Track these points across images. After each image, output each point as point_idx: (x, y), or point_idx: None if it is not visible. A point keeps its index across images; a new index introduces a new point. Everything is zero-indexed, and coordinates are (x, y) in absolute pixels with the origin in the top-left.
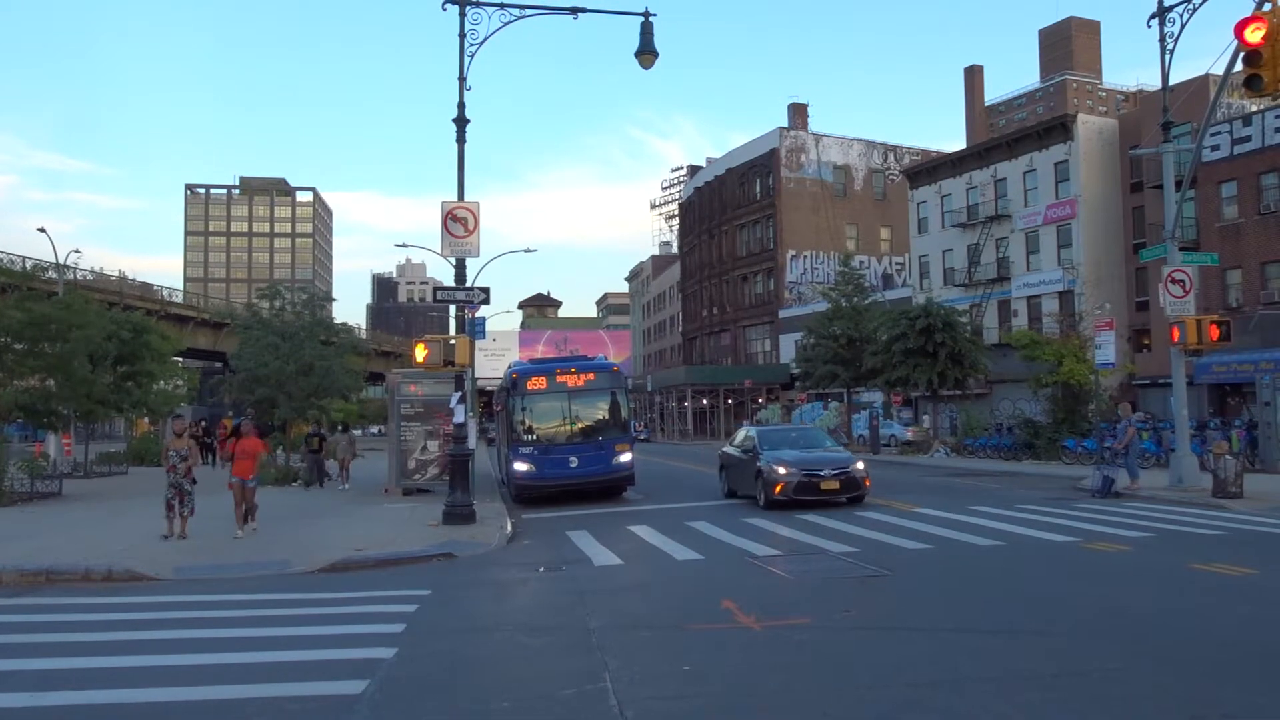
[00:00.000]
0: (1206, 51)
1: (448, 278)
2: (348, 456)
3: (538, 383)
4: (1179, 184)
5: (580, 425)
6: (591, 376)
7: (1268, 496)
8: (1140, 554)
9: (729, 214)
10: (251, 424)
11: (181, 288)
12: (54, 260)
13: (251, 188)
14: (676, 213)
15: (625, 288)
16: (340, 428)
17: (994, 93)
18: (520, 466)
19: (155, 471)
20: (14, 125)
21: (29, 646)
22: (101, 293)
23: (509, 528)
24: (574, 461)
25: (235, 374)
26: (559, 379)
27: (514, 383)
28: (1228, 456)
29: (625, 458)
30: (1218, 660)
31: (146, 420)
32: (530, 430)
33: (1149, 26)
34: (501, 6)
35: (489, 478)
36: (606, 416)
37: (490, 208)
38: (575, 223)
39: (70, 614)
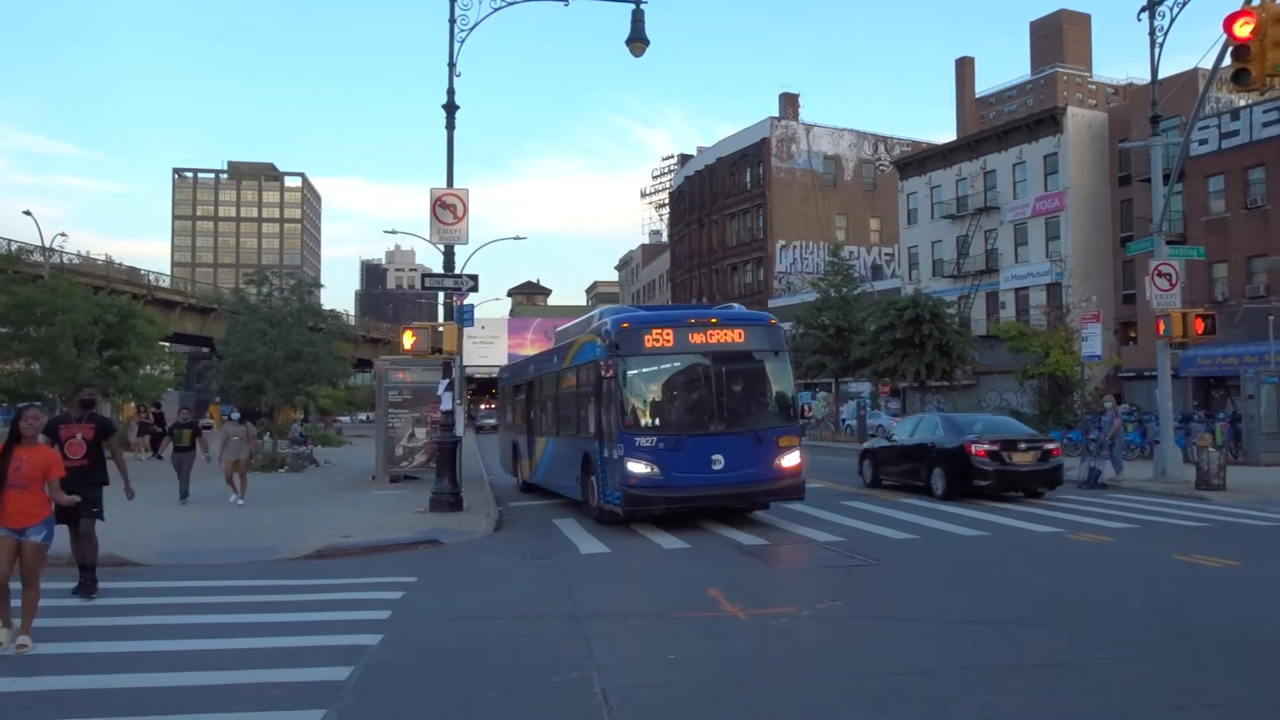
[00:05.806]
0: (1196, 46)
1: (437, 264)
2: (241, 458)
3: (662, 337)
4: (1167, 178)
5: (726, 407)
6: (740, 334)
7: (1250, 489)
8: (1123, 545)
9: (719, 203)
10: (37, 413)
11: (169, 272)
12: (40, 244)
13: (240, 172)
14: (667, 202)
15: (615, 276)
16: (234, 415)
17: (984, 85)
18: (637, 468)
19: (140, 458)
20: (0, 108)
21: None
22: (87, 277)
23: (496, 515)
24: (719, 461)
25: (222, 359)
26: (694, 337)
27: (624, 337)
28: (1211, 449)
29: (793, 457)
30: (1200, 650)
31: (133, 405)
32: (647, 413)
33: (1139, 20)
34: None
35: (476, 467)
36: (764, 395)
37: (479, 195)
38: (564, 211)
39: (54, 599)
